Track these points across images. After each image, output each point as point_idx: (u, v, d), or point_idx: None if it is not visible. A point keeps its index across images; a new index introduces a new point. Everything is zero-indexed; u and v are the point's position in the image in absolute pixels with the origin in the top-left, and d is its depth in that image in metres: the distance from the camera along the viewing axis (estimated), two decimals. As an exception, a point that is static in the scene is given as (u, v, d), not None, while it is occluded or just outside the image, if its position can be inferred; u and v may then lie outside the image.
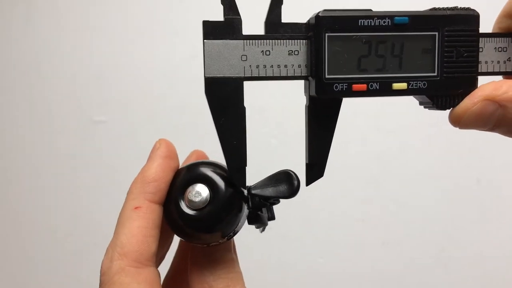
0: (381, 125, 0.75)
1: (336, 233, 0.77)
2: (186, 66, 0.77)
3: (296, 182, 0.28)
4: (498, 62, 0.27)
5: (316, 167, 0.29)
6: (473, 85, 0.26)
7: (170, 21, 0.78)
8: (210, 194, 0.27)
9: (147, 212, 0.26)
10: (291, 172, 0.28)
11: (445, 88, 0.26)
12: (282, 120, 0.76)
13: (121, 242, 0.25)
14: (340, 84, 0.26)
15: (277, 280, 0.78)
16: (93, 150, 0.79)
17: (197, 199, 0.26)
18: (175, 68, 0.78)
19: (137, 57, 0.78)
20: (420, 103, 0.29)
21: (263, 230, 0.32)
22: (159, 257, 0.31)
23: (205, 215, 0.26)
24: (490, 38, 0.27)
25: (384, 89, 0.26)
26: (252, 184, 0.29)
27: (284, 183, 0.28)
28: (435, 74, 0.26)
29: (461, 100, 0.26)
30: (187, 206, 0.26)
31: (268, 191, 0.28)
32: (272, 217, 0.30)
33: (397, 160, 0.75)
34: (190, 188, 0.27)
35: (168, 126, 0.77)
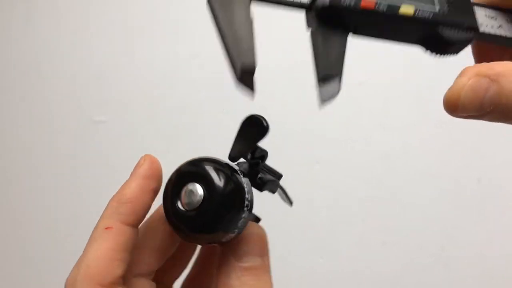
0: (383, 124, 0.75)
1: (337, 232, 0.76)
2: (186, 66, 0.77)
3: (261, 119, 0.27)
4: (492, 27, 0.27)
5: (330, 78, 0.25)
6: (470, 22, 0.26)
7: (170, 21, 0.78)
8: (204, 192, 0.26)
9: (118, 234, 0.25)
10: (249, 116, 0.27)
11: (447, 19, 0.25)
12: (283, 120, 0.76)
13: (87, 263, 0.24)
14: None
15: (277, 280, 0.78)
16: (93, 150, 0.79)
17: (190, 199, 0.26)
18: (175, 68, 0.78)
19: (137, 57, 0.78)
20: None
21: (287, 197, 0.30)
22: (173, 274, 0.31)
23: (201, 213, 0.25)
24: (479, 6, 0.27)
25: (391, 12, 0.24)
26: (230, 156, 0.28)
27: (253, 130, 0.27)
28: (439, 7, 0.25)
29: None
30: (183, 207, 0.26)
31: (246, 147, 0.27)
32: (275, 174, 0.29)
33: (397, 160, 0.75)
34: (184, 188, 0.26)
35: (168, 126, 0.77)
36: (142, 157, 0.29)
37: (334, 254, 0.77)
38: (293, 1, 0.26)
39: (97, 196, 0.80)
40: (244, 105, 0.76)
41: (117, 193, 0.27)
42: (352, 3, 0.24)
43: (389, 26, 0.25)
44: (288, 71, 0.76)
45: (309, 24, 0.26)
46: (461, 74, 0.23)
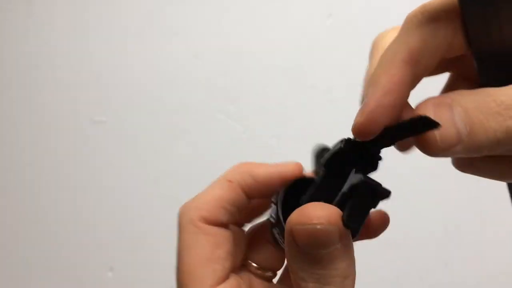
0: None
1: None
2: (186, 66, 0.77)
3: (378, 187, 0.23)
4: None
5: None
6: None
7: (170, 21, 0.78)
8: None
9: (233, 190, 0.27)
10: (363, 182, 0.23)
11: None
12: (283, 120, 0.76)
13: (200, 199, 0.27)
14: None
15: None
16: (93, 150, 0.79)
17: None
18: (175, 68, 0.78)
19: (137, 57, 0.78)
20: None
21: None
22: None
23: None
24: None
25: None
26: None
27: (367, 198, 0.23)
28: None
29: None
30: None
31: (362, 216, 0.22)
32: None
33: (397, 159, 0.75)
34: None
35: (168, 126, 0.77)
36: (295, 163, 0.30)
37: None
38: None
39: (97, 196, 0.80)
40: (244, 105, 0.77)
41: (249, 163, 0.28)
42: None
43: None
44: (288, 71, 0.76)
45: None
46: (419, 108, 0.21)
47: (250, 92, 0.76)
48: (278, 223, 0.26)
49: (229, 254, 0.26)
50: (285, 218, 0.23)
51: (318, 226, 0.21)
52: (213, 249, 0.26)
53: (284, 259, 0.30)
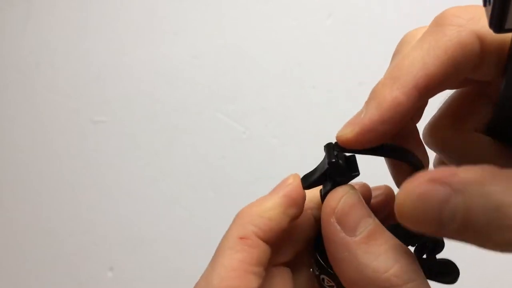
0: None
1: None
2: (186, 66, 0.77)
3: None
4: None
5: None
6: None
7: (170, 21, 0.78)
8: None
9: (253, 246, 0.22)
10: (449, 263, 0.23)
11: None
12: (283, 120, 0.76)
13: (220, 274, 0.22)
14: None
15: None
16: (93, 150, 0.79)
17: None
18: (175, 68, 0.78)
19: (137, 57, 0.78)
20: None
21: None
22: None
23: None
24: None
25: None
26: None
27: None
28: None
29: None
30: None
31: None
32: None
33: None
34: None
35: (168, 126, 0.77)
36: (291, 176, 0.25)
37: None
38: None
39: (97, 196, 0.80)
40: (244, 105, 0.77)
41: (254, 205, 0.24)
42: None
43: None
44: (288, 71, 0.76)
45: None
46: (413, 178, 0.17)
47: (250, 92, 0.76)
48: (322, 270, 0.24)
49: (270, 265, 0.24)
50: (325, 261, 0.23)
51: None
52: (264, 257, 0.23)
53: None
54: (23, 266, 0.81)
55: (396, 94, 0.20)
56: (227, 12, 0.77)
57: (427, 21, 0.21)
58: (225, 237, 0.23)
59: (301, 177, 0.25)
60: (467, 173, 0.16)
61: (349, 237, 0.21)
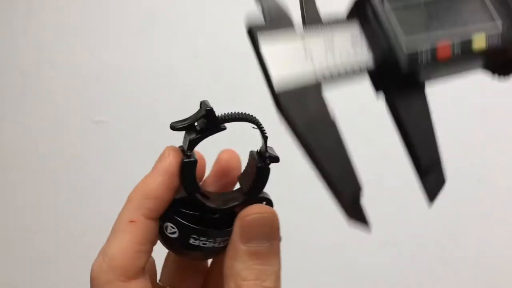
0: (382, 124, 0.75)
1: (336, 233, 0.76)
2: (186, 66, 0.77)
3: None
4: None
5: (433, 169, 0.23)
6: None
7: (170, 21, 0.78)
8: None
9: (141, 227, 0.26)
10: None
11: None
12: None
13: (112, 254, 0.25)
14: (423, 56, 0.21)
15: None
16: (93, 150, 0.79)
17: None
18: (175, 68, 0.78)
19: (137, 57, 0.78)
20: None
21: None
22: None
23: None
24: None
25: (466, 53, 0.22)
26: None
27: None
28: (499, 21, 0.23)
29: None
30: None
31: None
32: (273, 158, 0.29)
33: (396, 160, 0.75)
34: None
35: (168, 126, 0.77)
36: (166, 149, 0.29)
37: (333, 255, 0.77)
38: (360, 69, 0.23)
39: (97, 196, 0.80)
40: (244, 106, 0.76)
41: (140, 186, 0.27)
42: (429, 58, 0.22)
43: (462, 65, 0.23)
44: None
45: (381, 89, 0.24)
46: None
47: (250, 92, 0.76)
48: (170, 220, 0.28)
49: None
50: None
51: (266, 215, 0.26)
52: None
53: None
54: (23, 266, 0.81)
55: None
56: (227, 12, 0.77)
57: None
58: (117, 220, 0.27)
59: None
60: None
61: (240, 242, 0.26)
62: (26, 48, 0.80)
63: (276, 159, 0.30)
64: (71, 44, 0.79)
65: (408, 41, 0.21)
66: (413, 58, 0.21)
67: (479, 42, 0.22)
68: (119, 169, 0.77)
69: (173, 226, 0.27)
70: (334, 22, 0.24)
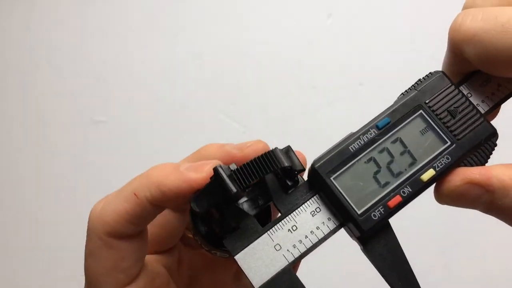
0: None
1: (336, 233, 0.76)
2: (186, 66, 0.77)
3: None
4: (488, 97, 0.27)
5: None
6: (488, 129, 0.27)
7: (170, 22, 0.78)
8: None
9: (139, 204, 0.26)
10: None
11: (467, 147, 0.26)
12: (283, 120, 0.76)
13: (106, 211, 0.27)
14: (375, 211, 0.26)
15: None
16: (93, 150, 0.79)
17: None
18: (175, 68, 0.78)
19: (137, 57, 0.78)
20: None
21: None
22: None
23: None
24: (467, 83, 0.27)
25: (417, 187, 0.26)
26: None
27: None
28: (449, 143, 0.26)
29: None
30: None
31: None
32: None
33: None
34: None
35: (168, 126, 0.77)
36: (209, 163, 0.26)
37: (334, 255, 0.77)
38: (325, 237, 0.29)
39: (97, 196, 0.80)
40: (244, 106, 0.77)
41: (164, 173, 0.26)
42: (383, 213, 0.26)
43: (415, 196, 0.27)
44: (288, 71, 0.76)
45: (351, 236, 0.29)
46: (454, 173, 0.25)
47: (250, 92, 0.76)
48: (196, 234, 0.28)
49: (137, 261, 0.27)
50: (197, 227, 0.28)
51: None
52: (117, 262, 0.26)
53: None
54: (23, 266, 0.81)
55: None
56: (227, 12, 0.77)
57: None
58: (128, 185, 0.27)
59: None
60: (496, 178, 0.24)
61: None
62: (27, 49, 0.80)
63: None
64: (71, 44, 0.80)
65: (360, 208, 0.26)
66: (368, 218, 0.26)
67: (429, 174, 0.26)
68: (119, 169, 0.77)
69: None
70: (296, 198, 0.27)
